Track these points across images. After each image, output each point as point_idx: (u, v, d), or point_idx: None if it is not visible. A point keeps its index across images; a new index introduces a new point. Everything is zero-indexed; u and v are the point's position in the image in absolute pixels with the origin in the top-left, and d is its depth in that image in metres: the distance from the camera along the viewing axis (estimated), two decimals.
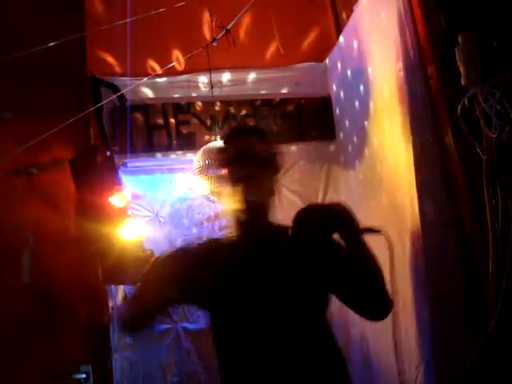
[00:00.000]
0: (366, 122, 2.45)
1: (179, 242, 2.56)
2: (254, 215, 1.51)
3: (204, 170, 2.28)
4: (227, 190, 1.52)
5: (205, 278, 1.47)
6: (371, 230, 1.52)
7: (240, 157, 1.51)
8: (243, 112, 2.87)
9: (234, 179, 1.49)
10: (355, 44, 2.51)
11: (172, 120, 2.78)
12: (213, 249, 1.57)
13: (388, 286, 1.52)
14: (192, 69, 2.82)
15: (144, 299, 1.53)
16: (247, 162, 1.49)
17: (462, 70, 1.59)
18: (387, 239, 1.52)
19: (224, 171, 1.54)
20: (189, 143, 2.75)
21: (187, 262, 1.51)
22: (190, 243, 1.61)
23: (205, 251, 1.56)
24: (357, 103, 2.55)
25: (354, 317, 2.66)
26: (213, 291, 1.48)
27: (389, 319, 2.22)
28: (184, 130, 2.78)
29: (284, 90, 2.97)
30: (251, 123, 2.86)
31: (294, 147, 2.93)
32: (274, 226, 1.57)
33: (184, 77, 2.84)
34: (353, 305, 1.62)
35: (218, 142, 2.41)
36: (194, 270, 1.49)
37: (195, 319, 2.61)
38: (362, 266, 1.51)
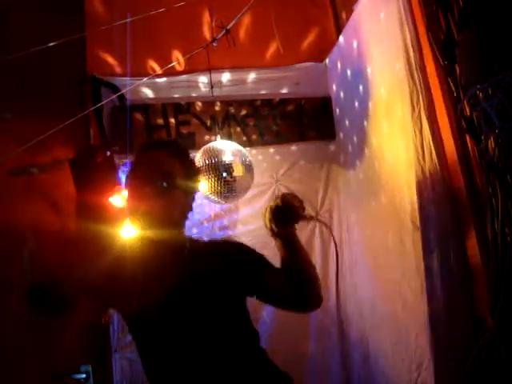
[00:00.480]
0: (365, 122, 2.45)
1: None
2: (152, 231, 1.46)
3: (204, 170, 2.28)
4: (129, 206, 1.47)
5: (120, 286, 1.41)
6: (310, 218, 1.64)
7: (142, 172, 1.46)
8: (243, 112, 2.87)
9: (134, 195, 1.45)
10: (355, 44, 2.52)
11: (172, 120, 2.78)
12: (130, 259, 1.49)
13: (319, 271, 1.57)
14: (192, 69, 2.82)
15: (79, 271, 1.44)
16: (148, 178, 1.44)
17: (461, 69, 1.59)
18: (323, 224, 1.59)
19: (127, 184, 1.49)
20: (189, 143, 2.74)
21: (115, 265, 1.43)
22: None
23: (125, 260, 1.47)
24: (357, 103, 2.55)
25: (353, 317, 2.67)
26: (125, 301, 1.44)
27: (389, 319, 2.23)
28: (184, 130, 2.78)
29: (284, 90, 2.97)
30: (251, 123, 2.86)
31: (293, 147, 2.93)
32: (184, 239, 1.55)
33: (184, 77, 2.84)
34: (281, 304, 1.62)
35: (218, 142, 2.41)
36: (117, 274, 1.41)
37: None
38: (293, 263, 1.52)
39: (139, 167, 1.50)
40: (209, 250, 1.58)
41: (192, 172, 1.55)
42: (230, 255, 1.54)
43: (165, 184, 1.44)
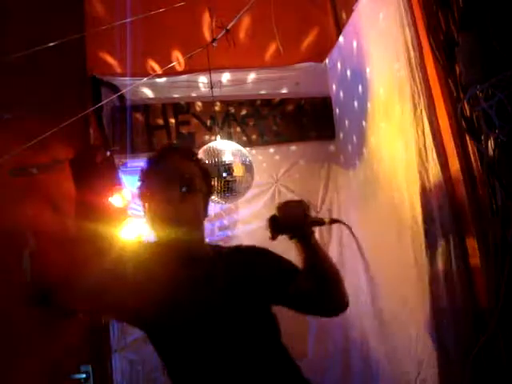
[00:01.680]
0: (365, 122, 2.45)
1: None
2: (176, 238, 1.42)
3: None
4: (149, 213, 1.45)
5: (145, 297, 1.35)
6: (331, 221, 1.60)
7: (161, 178, 1.45)
8: (243, 112, 2.87)
9: (155, 202, 1.43)
10: (355, 44, 2.52)
11: (172, 120, 2.78)
12: (152, 267, 1.42)
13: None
14: (192, 69, 2.82)
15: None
16: (168, 184, 1.42)
17: (462, 70, 1.59)
18: (346, 226, 1.55)
19: (147, 193, 1.47)
20: (189, 143, 2.75)
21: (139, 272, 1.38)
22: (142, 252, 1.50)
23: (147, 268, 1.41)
24: (356, 103, 2.55)
25: (353, 317, 2.67)
26: (153, 314, 1.36)
27: (389, 319, 2.23)
28: (184, 130, 2.79)
29: (284, 90, 2.98)
30: (251, 123, 2.86)
31: (293, 147, 2.93)
32: (206, 246, 1.53)
33: (184, 77, 2.85)
34: (307, 310, 1.59)
35: (218, 142, 2.41)
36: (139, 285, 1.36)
37: None
38: (317, 269, 1.48)
39: (157, 174, 1.47)
40: (235, 257, 1.54)
41: (207, 175, 1.55)
42: (257, 264, 1.51)
43: (186, 188, 1.43)
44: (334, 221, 1.66)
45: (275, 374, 1.40)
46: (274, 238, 1.50)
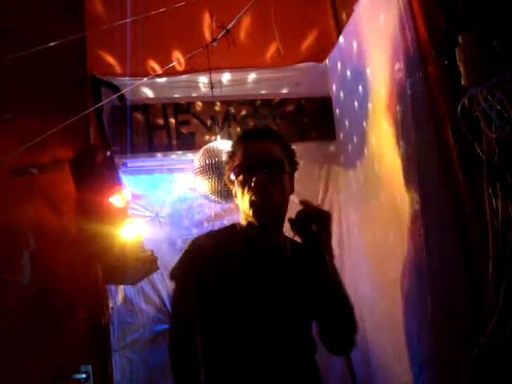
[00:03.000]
0: (365, 123, 2.45)
1: (180, 243, 2.57)
2: (267, 223, 1.47)
3: (204, 170, 2.28)
4: (240, 196, 1.47)
5: (216, 289, 1.44)
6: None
7: (254, 163, 1.46)
8: (243, 112, 2.87)
9: (250, 186, 1.44)
10: (355, 44, 2.51)
11: (172, 120, 2.78)
12: (224, 256, 1.47)
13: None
14: (192, 69, 2.82)
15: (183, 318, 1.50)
16: (262, 168, 1.44)
17: (462, 69, 1.59)
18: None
19: (237, 177, 1.49)
20: (189, 143, 2.74)
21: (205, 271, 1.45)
22: (202, 247, 1.53)
23: (217, 258, 1.47)
24: (357, 103, 2.55)
25: None
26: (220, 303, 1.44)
27: (389, 319, 2.23)
28: (184, 130, 2.78)
29: (284, 90, 2.97)
30: (251, 123, 2.86)
31: (293, 147, 2.92)
32: (284, 239, 1.54)
33: (184, 77, 2.84)
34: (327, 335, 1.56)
35: (218, 142, 2.41)
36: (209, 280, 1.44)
37: None
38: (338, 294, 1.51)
39: (246, 158, 1.48)
40: (304, 257, 1.52)
41: (291, 155, 1.58)
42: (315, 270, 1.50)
43: (274, 171, 1.46)
44: None
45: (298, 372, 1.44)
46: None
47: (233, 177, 1.50)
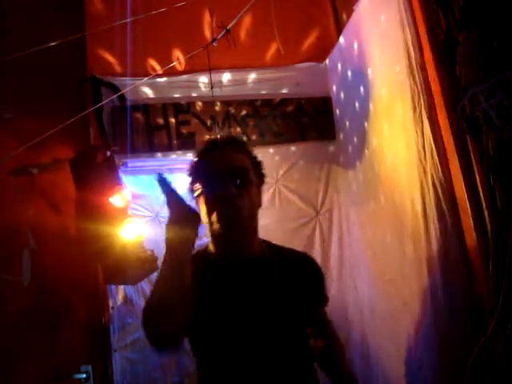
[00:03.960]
0: (365, 123, 2.45)
1: None
2: (236, 235, 1.38)
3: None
4: (203, 209, 1.37)
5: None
6: None
7: (214, 173, 1.37)
8: (243, 112, 2.87)
9: (211, 198, 1.36)
10: (355, 44, 2.51)
11: (172, 120, 2.78)
12: (204, 270, 1.38)
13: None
14: (192, 69, 2.82)
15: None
16: (226, 178, 1.34)
17: (462, 70, 1.59)
18: None
19: (198, 189, 1.39)
20: (189, 143, 2.75)
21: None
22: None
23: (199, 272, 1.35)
24: (357, 103, 2.55)
25: (353, 317, 2.67)
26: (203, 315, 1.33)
27: (389, 319, 2.23)
28: (184, 130, 2.78)
29: (284, 90, 2.97)
30: (251, 123, 2.86)
31: (293, 147, 2.93)
32: (262, 248, 1.47)
33: (184, 77, 2.84)
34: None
35: None
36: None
37: None
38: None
39: (209, 169, 1.40)
40: (288, 264, 1.47)
41: (258, 164, 1.47)
42: (305, 279, 1.47)
43: (240, 182, 1.36)
44: None
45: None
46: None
47: (195, 190, 1.42)
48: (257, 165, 1.47)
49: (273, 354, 1.35)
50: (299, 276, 1.46)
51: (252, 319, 1.35)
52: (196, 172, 1.44)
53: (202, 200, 1.38)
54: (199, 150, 1.48)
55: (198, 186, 1.40)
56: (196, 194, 1.40)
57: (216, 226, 1.35)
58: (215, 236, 1.41)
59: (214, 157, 1.41)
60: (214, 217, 1.34)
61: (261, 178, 1.47)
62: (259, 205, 1.44)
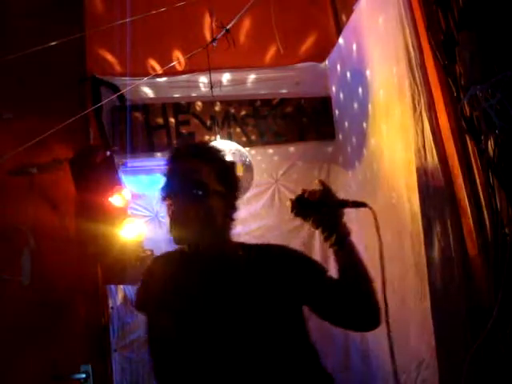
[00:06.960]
0: (365, 123, 2.45)
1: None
2: (190, 241, 1.43)
3: None
4: (169, 221, 1.42)
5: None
6: (355, 204, 1.52)
7: (173, 185, 1.42)
8: (243, 112, 2.87)
9: (172, 210, 1.40)
10: (355, 45, 2.51)
11: (172, 120, 2.78)
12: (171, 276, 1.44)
13: (374, 269, 1.49)
14: (192, 69, 2.82)
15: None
16: (182, 192, 1.39)
17: (462, 69, 1.59)
18: (372, 212, 1.50)
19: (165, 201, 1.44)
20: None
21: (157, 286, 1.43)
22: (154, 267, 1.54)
23: (162, 281, 1.44)
24: (356, 104, 2.55)
25: None
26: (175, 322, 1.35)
27: (389, 319, 2.23)
28: (184, 130, 2.79)
29: (284, 91, 2.98)
30: (251, 123, 2.86)
31: (293, 147, 2.93)
32: (234, 246, 1.50)
33: (184, 77, 2.84)
34: (337, 321, 1.51)
35: (218, 142, 2.41)
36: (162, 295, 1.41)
37: None
38: (351, 276, 1.45)
39: (172, 179, 1.45)
40: (264, 257, 1.48)
41: (225, 172, 1.48)
42: (287, 265, 1.46)
43: (199, 192, 1.39)
44: (357, 204, 1.56)
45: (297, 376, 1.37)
46: (297, 215, 1.47)
47: (161, 201, 1.46)
48: (224, 172, 1.48)
49: (252, 351, 1.33)
50: (280, 265, 1.45)
51: (214, 315, 1.35)
52: (164, 178, 1.48)
53: (167, 209, 1.43)
54: (167, 157, 1.51)
55: (162, 193, 1.44)
56: (163, 201, 1.45)
57: (170, 234, 1.41)
58: (175, 242, 1.45)
59: (175, 167, 1.46)
60: (169, 225, 1.41)
61: (229, 184, 1.48)
62: (225, 211, 1.47)
